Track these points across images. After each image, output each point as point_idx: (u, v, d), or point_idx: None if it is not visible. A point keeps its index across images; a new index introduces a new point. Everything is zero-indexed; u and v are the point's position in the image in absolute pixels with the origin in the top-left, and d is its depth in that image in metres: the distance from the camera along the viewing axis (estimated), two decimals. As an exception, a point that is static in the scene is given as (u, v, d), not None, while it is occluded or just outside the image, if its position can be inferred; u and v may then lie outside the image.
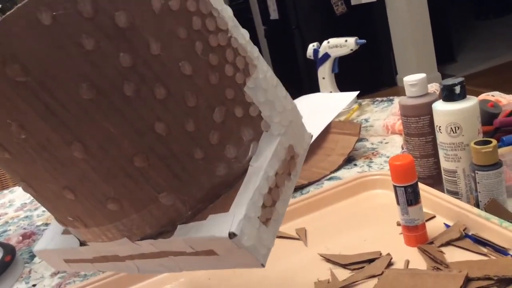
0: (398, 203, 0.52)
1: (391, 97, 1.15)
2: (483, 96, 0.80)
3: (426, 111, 0.59)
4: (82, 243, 0.39)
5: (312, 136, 0.42)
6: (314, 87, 1.15)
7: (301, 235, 0.60)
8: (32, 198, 1.07)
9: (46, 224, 0.89)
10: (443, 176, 0.59)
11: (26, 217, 0.96)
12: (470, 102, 0.54)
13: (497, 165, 0.51)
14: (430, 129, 0.60)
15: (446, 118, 0.55)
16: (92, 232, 0.36)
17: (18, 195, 1.12)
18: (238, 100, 0.34)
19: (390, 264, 0.50)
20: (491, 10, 5.42)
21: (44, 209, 0.95)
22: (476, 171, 0.52)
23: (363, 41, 1.07)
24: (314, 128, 0.89)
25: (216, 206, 0.33)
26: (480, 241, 0.50)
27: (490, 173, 0.51)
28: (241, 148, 0.34)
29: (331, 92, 1.14)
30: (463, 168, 0.56)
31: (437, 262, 0.48)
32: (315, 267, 0.53)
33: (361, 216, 0.62)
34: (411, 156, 0.53)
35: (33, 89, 0.28)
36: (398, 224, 0.57)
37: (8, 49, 0.26)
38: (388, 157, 0.80)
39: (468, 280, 0.44)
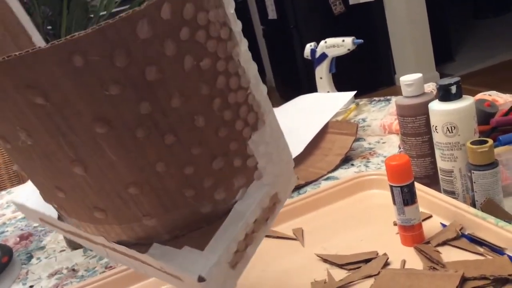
0: (394, 203, 0.52)
1: (388, 97, 1.15)
2: (480, 95, 0.80)
3: (422, 111, 0.60)
4: (60, 218, 0.40)
5: (298, 178, 0.43)
6: (312, 87, 1.15)
7: (298, 235, 0.60)
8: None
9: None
10: (440, 176, 0.59)
11: (24, 218, 0.95)
12: (466, 101, 0.54)
13: (493, 164, 0.51)
14: (426, 129, 0.60)
15: (442, 118, 0.55)
16: (73, 221, 0.37)
17: (16, 196, 1.12)
18: (240, 152, 0.35)
19: (386, 264, 0.50)
20: (489, 9, 5.42)
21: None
22: (472, 171, 0.52)
23: (360, 41, 1.07)
24: (312, 128, 0.89)
25: (193, 238, 0.35)
26: (477, 241, 0.50)
27: (486, 172, 0.51)
28: (230, 193, 0.35)
29: (328, 92, 1.14)
30: (459, 168, 0.56)
31: (434, 262, 0.48)
32: (311, 267, 0.53)
33: (358, 216, 0.62)
34: (408, 156, 0.53)
35: (48, 112, 0.28)
36: (395, 224, 0.57)
37: (34, 76, 0.27)
38: (385, 157, 0.80)
39: (464, 279, 0.44)
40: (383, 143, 0.87)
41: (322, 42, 1.11)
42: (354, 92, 1.00)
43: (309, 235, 0.60)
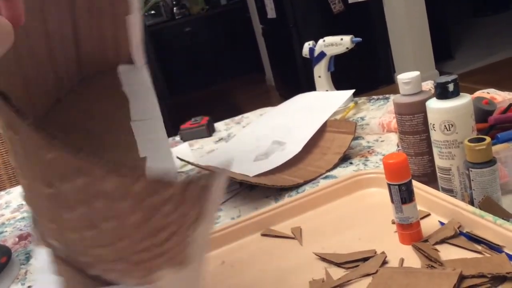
0: (392, 201, 0.52)
1: (387, 95, 1.15)
2: (478, 93, 0.80)
3: (420, 109, 0.59)
4: None
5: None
6: (311, 86, 1.15)
7: (297, 234, 0.60)
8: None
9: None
10: (438, 174, 0.59)
11: (23, 218, 0.95)
12: (464, 99, 0.54)
13: (491, 162, 0.51)
14: (424, 127, 0.60)
15: (440, 115, 0.55)
16: None
17: (15, 197, 1.11)
18: None
19: (384, 262, 0.50)
20: (489, 7, 5.42)
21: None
22: (470, 169, 0.52)
23: (359, 39, 1.06)
24: (310, 126, 0.89)
25: None
26: (475, 239, 0.50)
27: (484, 170, 0.51)
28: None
29: (327, 90, 1.14)
30: (457, 166, 0.56)
31: (432, 260, 0.48)
32: (310, 266, 0.53)
33: (356, 214, 0.62)
34: (405, 154, 0.52)
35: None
36: (393, 222, 0.57)
37: None
38: (383, 155, 0.80)
39: (462, 277, 0.44)
40: (382, 141, 0.87)
41: (320, 41, 1.11)
42: (352, 91, 0.99)
43: (307, 234, 0.60)
